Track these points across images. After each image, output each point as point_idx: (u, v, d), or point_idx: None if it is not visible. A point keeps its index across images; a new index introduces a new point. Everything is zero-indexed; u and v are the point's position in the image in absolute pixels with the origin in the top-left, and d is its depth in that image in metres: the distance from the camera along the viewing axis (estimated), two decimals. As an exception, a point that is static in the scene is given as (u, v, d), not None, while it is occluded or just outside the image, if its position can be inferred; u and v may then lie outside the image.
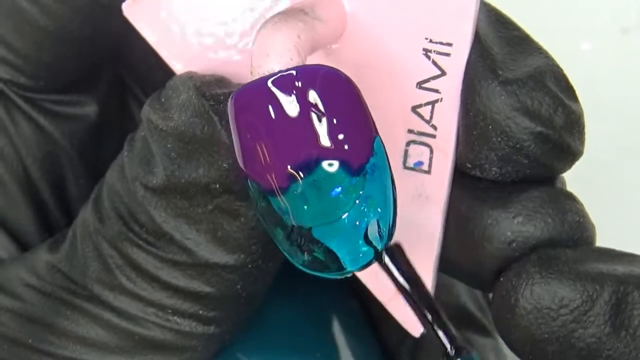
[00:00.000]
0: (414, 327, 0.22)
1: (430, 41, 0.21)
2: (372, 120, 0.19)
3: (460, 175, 0.21)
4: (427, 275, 0.21)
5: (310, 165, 0.18)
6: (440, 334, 0.19)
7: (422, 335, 0.22)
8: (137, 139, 0.22)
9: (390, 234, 0.19)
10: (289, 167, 0.18)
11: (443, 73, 0.21)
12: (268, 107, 0.18)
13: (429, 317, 0.19)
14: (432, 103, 0.21)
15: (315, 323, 0.26)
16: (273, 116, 0.18)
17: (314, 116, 0.18)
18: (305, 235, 0.18)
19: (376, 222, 0.18)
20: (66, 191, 0.26)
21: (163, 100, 0.21)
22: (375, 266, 0.21)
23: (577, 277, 0.19)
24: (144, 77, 0.27)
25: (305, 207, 0.18)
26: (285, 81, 0.18)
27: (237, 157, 0.19)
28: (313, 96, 0.18)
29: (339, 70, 0.19)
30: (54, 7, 0.23)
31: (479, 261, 0.21)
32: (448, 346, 0.19)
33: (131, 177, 0.21)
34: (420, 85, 0.21)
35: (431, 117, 0.21)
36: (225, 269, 0.21)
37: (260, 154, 0.18)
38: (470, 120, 0.20)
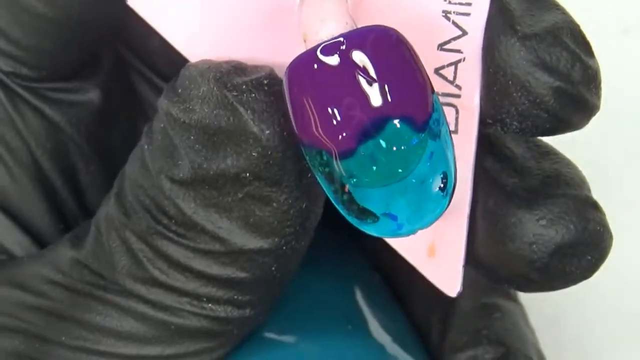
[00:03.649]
0: (450, 286, 0.22)
1: (450, 2, 0.21)
2: (429, 79, 0.19)
3: (491, 178, 0.22)
4: (460, 231, 0.21)
5: (378, 125, 0.18)
6: None
7: (459, 294, 0.22)
8: (156, 130, 0.21)
9: (453, 191, 0.19)
10: (356, 129, 0.18)
11: (464, 33, 0.21)
12: (322, 77, 0.18)
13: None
14: (455, 63, 0.21)
15: (343, 296, 0.26)
16: (329, 84, 0.18)
17: (369, 80, 0.18)
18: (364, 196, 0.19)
19: (440, 179, 0.19)
20: (78, 179, 0.26)
21: (180, 91, 0.20)
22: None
23: None
24: (149, 57, 0.27)
25: (374, 167, 0.18)
26: (334, 48, 0.18)
27: (293, 126, 0.19)
28: (364, 60, 0.18)
29: (390, 29, 0.19)
30: None
31: (498, 257, 0.21)
32: None
33: (155, 171, 0.21)
34: (441, 47, 0.21)
35: (455, 77, 0.21)
36: (259, 253, 0.21)
37: (324, 119, 0.18)
38: (490, 76, 0.21)
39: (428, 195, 0.19)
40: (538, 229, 0.20)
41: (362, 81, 0.18)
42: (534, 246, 0.20)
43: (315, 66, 0.18)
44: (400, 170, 0.18)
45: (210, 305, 0.22)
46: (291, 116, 0.19)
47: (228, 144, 0.20)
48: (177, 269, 0.21)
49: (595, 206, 0.21)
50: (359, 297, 0.26)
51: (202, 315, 0.22)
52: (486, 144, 0.22)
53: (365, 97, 0.18)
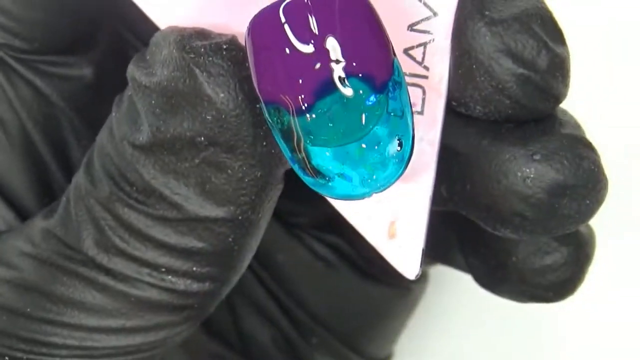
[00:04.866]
0: (409, 269, 0.22)
1: None
2: (390, 42, 0.19)
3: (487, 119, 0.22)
4: (422, 213, 0.21)
5: (338, 82, 0.18)
6: None
7: (417, 277, 0.21)
8: (124, 99, 0.22)
9: (410, 156, 0.19)
10: (315, 84, 0.18)
11: (434, 14, 0.21)
12: (283, 32, 0.18)
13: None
14: (424, 44, 0.21)
15: None
16: (290, 39, 0.18)
17: (331, 36, 0.18)
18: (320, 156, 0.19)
19: (396, 143, 0.19)
20: (68, 154, 0.26)
21: (148, 57, 0.21)
22: (369, 208, 0.21)
23: None
24: (148, 37, 0.27)
25: (331, 124, 0.18)
26: (299, 4, 0.18)
27: (254, 82, 0.19)
28: (327, 17, 0.18)
29: None
30: None
31: (494, 196, 0.21)
32: None
33: (119, 137, 0.21)
34: (411, 27, 0.21)
35: (423, 58, 0.21)
36: (215, 222, 0.21)
37: (284, 74, 0.18)
38: (456, 59, 0.21)
39: (383, 158, 0.19)
40: (532, 164, 0.21)
41: (324, 37, 0.18)
42: (528, 181, 0.21)
43: (278, 20, 0.18)
44: (356, 130, 0.18)
45: (169, 277, 0.22)
46: (252, 71, 0.19)
47: (185, 106, 0.20)
48: (137, 238, 0.21)
49: (589, 146, 0.21)
50: None
51: (161, 288, 0.22)
52: None
53: (325, 53, 0.18)
